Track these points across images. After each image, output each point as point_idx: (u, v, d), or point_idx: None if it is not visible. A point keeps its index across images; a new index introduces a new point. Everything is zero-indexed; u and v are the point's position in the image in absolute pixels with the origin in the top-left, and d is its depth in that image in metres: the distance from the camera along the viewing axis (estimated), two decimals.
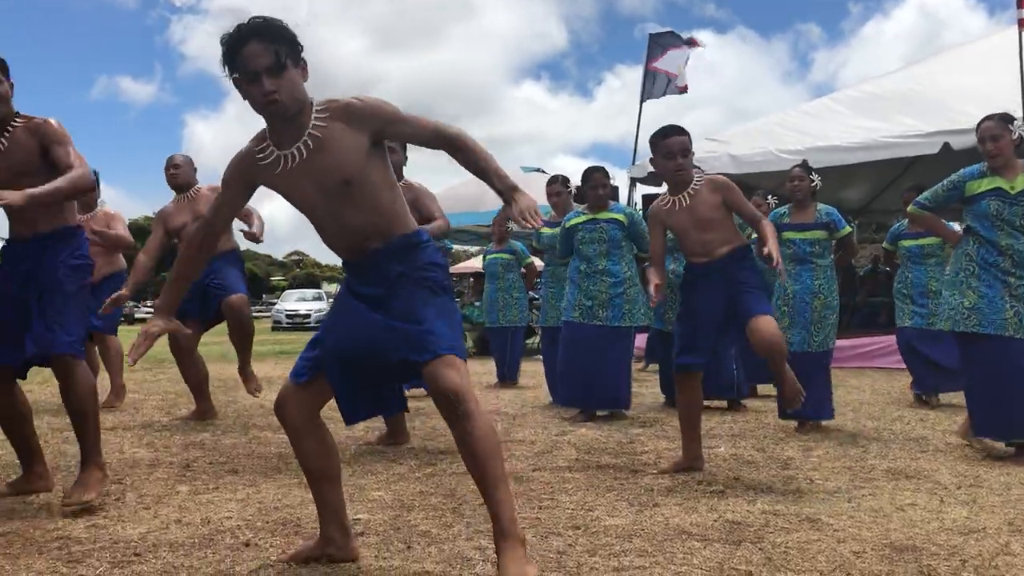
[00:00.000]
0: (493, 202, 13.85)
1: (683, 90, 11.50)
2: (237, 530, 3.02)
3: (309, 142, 2.43)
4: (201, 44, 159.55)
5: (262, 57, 2.38)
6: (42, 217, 3.40)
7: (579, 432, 5.19)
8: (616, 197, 7.23)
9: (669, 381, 6.10)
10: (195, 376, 5.87)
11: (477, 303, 12.56)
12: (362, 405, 2.61)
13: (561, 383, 5.99)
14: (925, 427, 5.40)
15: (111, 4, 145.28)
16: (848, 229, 5.71)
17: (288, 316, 30.20)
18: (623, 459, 4.31)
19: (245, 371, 5.69)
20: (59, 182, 3.25)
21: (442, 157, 2.52)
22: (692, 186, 3.89)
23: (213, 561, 2.66)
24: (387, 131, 2.49)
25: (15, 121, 3.39)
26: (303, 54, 2.48)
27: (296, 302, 32.08)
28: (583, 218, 5.95)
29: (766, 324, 3.74)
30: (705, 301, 3.91)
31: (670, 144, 3.85)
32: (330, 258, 75.21)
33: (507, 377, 8.32)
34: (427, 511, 3.27)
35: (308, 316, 30.17)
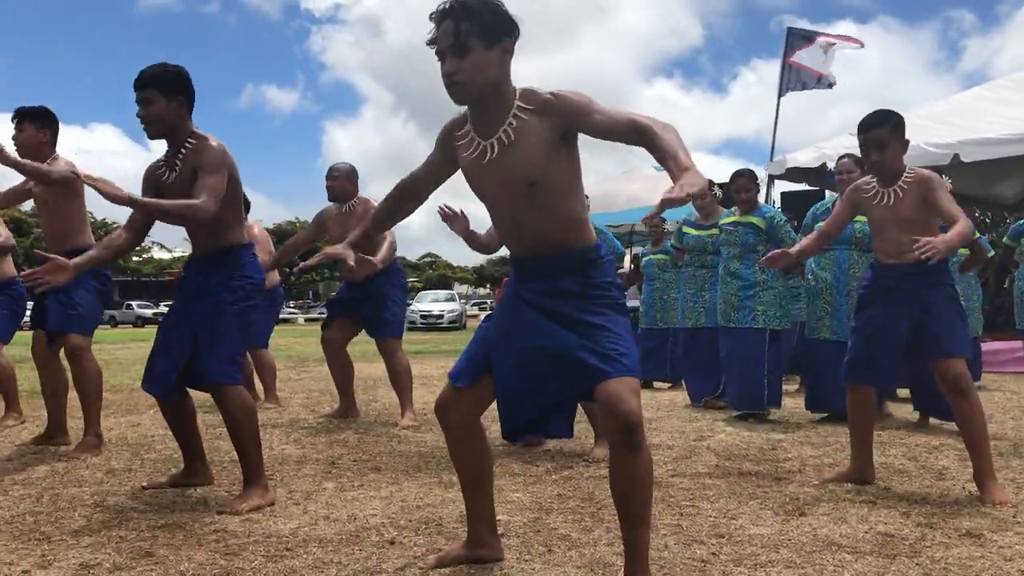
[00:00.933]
0: (625, 202, 13.75)
1: (831, 85, 11.10)
2: (382, 528, 3.09)
3: (503, 138, 2.34)
4: (339, 53, 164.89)
5: (447, 37, 2.30)
6: (203, 235, 3.55)
7: (718, 437, 5.09)
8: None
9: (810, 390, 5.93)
10: (342, 374, 6.04)
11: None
12: (525, 418, 2.47)
13: (700, 380, 6.11)
14: None
15: (256, 16, 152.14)
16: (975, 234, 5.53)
17: (422, 317, 30.85)
18: (765, 466, 4.20)
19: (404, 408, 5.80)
20: (165, 202, 3.35)
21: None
22: (903, 179, 3.58)
23: (360, 558, 2.74)
24: (580, 124, 2.32)
25: (188, 141, 3.51)
26: (512, 35, 2.35)
27: (430, 303, 32.74)
28: (728, 219, 6.06)
29: (956, 369, 3.51)
30: (889, 318, 3.63)
31: (863, 138, 3.59)
32: (463, 259, 76.48)
33: (669, 378, 8.16)
34: (566, 514, 3.27)
35: (441, 317, 30.77)
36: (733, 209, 6.08)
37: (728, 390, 6.13)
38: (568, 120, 2.32)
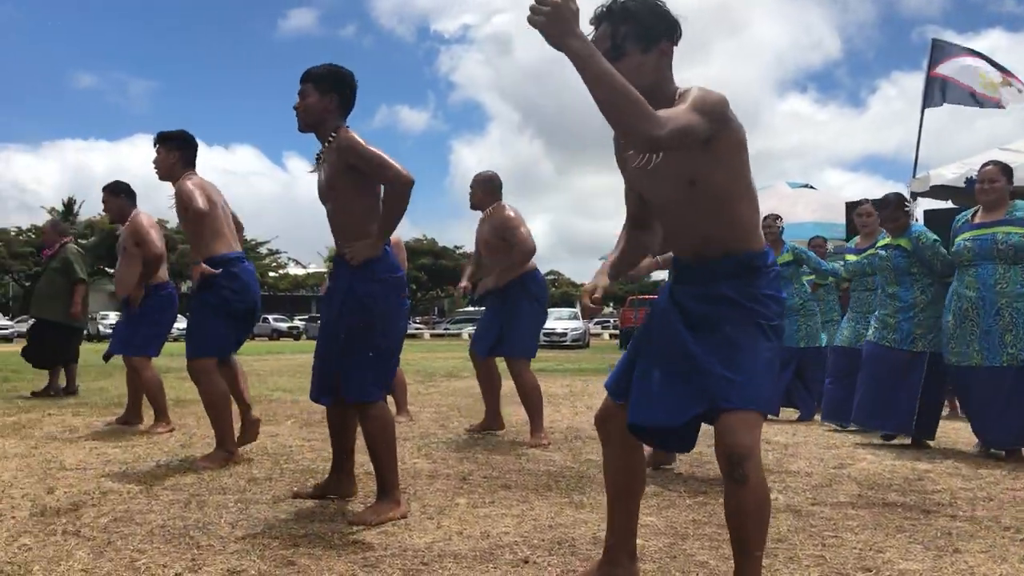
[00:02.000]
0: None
1: (1000, 106, 10.48)
2: (515, 546, 3.09)
3: None
4: (468, 72, 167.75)
5: (603, 41, 2.28)
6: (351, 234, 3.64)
7: (859, 465, 4.88)
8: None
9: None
10: (488, 386, 6.08)
11: None
12: (651, 421, 2.37)
13: (857, 402, 5.91)
14: None
15: (391, 38, 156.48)
16: None
17: (545, 334, 30.89)
18: (912, 497, 3.99)
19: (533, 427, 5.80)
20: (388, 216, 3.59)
21: None
22: None
23: None
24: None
25: (331, 136, 3.64)
26: (671, 36, 2.31)
27: (553, 321, 32.75)
28: (881, 243, 5.96)
29: None
30: None
31: None
32: (586, 277, 76.24)
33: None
34: (702, 540, 3.18)
35: (564, 335, 30.77)
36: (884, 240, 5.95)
37: (869, 410, 5.80)
38: (719, 124, 2.24)
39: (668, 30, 2.32)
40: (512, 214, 5.72)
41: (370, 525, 3.37)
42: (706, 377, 2.25)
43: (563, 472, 4.56)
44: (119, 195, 6.33)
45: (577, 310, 41.81)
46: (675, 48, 2.35)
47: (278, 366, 14.92)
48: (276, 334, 45.61)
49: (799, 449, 5.50)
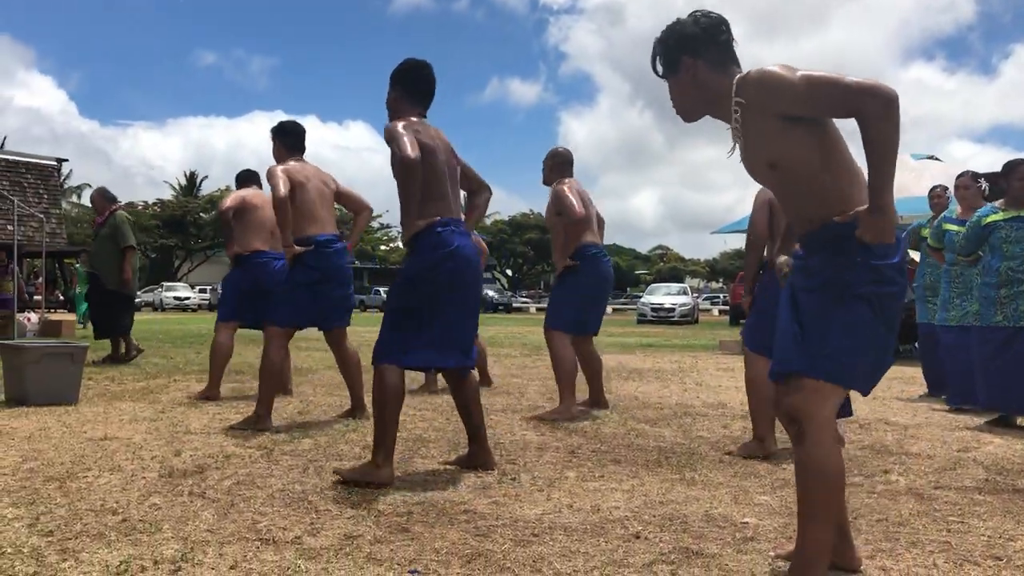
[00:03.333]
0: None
1: None
2: (626, 520, 3.07)
3: (737, 130, 2.38)
4: (579, 42, 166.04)
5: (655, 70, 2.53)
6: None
7: (986, 449, 4.67)
8: None
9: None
10: (587, 367, 5.99)
11: None
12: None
13: (984, 385, 5.64)
14: None
15: (504, 10, 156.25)
16: None
17: (653, 310, 30.65)
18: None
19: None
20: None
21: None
22: None
23: (606, 550, 2.73)
24: (776, 109, 2.28)
25: None
26: (691, 51, 2.42)
27: (662, 296, 32.44)
28: (1003, 215, 5.48)
29: None
30: None
31: None
32: (695, 252, 75.18)
33: None
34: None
35: (672, 310, 30.42)
36: (997, 204, 5.55)
37: (992, 393, 5.56)
38: (781, 105, 2.27)
39: (686, 46, 2.42)
40: (564, 188, 5.59)
41: (345, 479, 3.55)
42: (785, 339, 2.35)
43: (673, 448, 4.52)
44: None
45: (686, 285, 41.30)
46: (710, 53, 2.42)
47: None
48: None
49: (920, 430, 5.30)
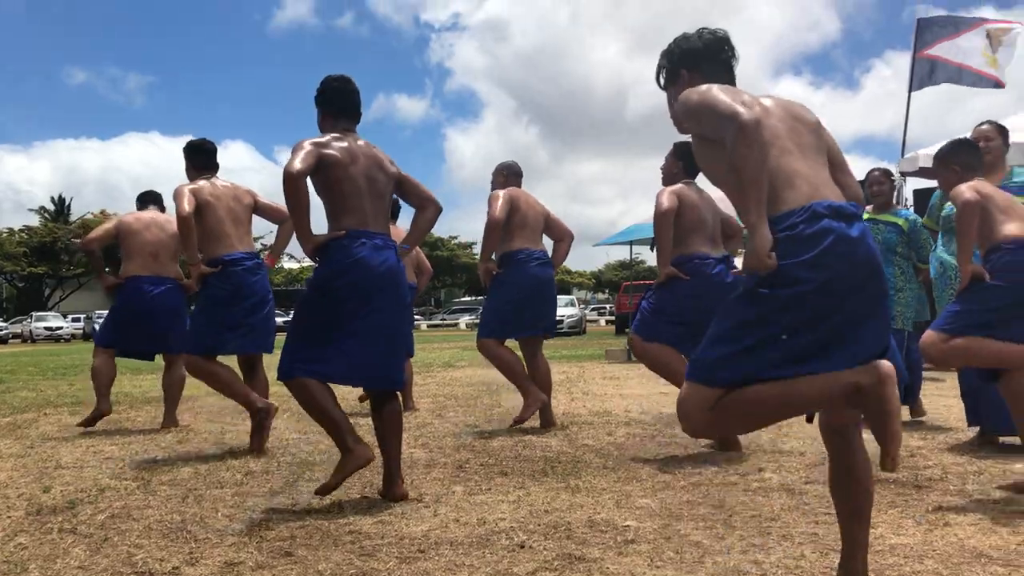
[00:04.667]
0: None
1: (999, 85, 10.40)
2: (511, 531, 3.11)
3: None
4: (462, 59, 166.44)
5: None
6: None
7: None
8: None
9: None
10: (541, 379, 5.85)
11: None
12: None
13: None
14: None
15: (388, 27, 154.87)
16: None
17: None
18: (905, 473, 4.02)
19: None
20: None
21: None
22: None
23: (491, 561, 2.76)
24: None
25: None
26: (687, 63, 2.51)
27: None
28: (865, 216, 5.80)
29: None
30: None
31: None
32: (581, 264, 76.31)
33: None
34: (696, 521, 3.21)
35: (560, 322, 30.76)
36: (869, 208, 5.89)
37: None
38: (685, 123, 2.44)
39: (684, 59, 2.52)
40: (496, 192, 5.72)
41: (332, 487, 3.61)
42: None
43: (559, 457, 4.59)
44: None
45: (573, 297, 41.75)
46: (707, 68, 2.48)
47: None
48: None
49: (794, 429, 5.53)
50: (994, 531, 3.00)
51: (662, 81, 2.58)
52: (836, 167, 2.43)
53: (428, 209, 4.02)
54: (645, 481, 3.95)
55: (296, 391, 3.63)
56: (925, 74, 10.84)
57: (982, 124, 4.72)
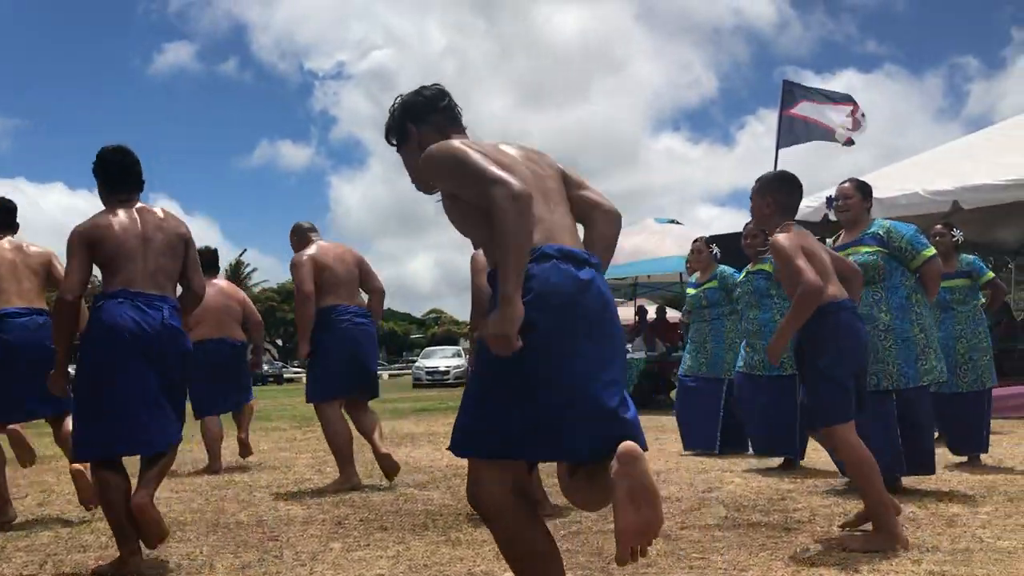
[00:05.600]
0: (629, 255, 13.82)
1: (848, 143, 11.15)
2: None
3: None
4: (349, 107, 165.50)
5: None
6: None
7: (727, 488, 5.05)
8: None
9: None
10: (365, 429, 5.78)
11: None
12: None
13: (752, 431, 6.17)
14: None
15: (273, 73, 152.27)
16: (990, 275, 5.96)
17: (428, 373, 30.76)
18: (775, 516, 4.16)
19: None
20: None
21: None
22: None
23: None
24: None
25: None
26: (411, 120, 2.56)
27: (437, 359, 32.64)
28: (745, 272, 6.23)
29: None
30: None
31: None
32: (468, 314, 76.49)
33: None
34: (575, 570, 3.23)
35: (447, 373, 30.66)
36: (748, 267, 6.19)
37: (754, 435, 6.12)
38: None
39: (407, 116, 2.57)
40: (297, 258, 5.58)
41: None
42: None
43: (441, 511, 4.56)
44: None
45: (460, 347, 41.76)
46: (433, 120, 2.55)
47: None
48: None
49: (671, 475, 5.66)
50: (856, 571, 3.12)
51: (393, 141, 2.61)
52: (587, 202, 2.52)
53: (194, 285, 3.91)
54: None
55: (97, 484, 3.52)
56: (790, 131, 11.45)
57: (844, 182, 5.00)
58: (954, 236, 5.95)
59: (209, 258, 6.65)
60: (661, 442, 7.86)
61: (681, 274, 9.01)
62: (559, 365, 2.14)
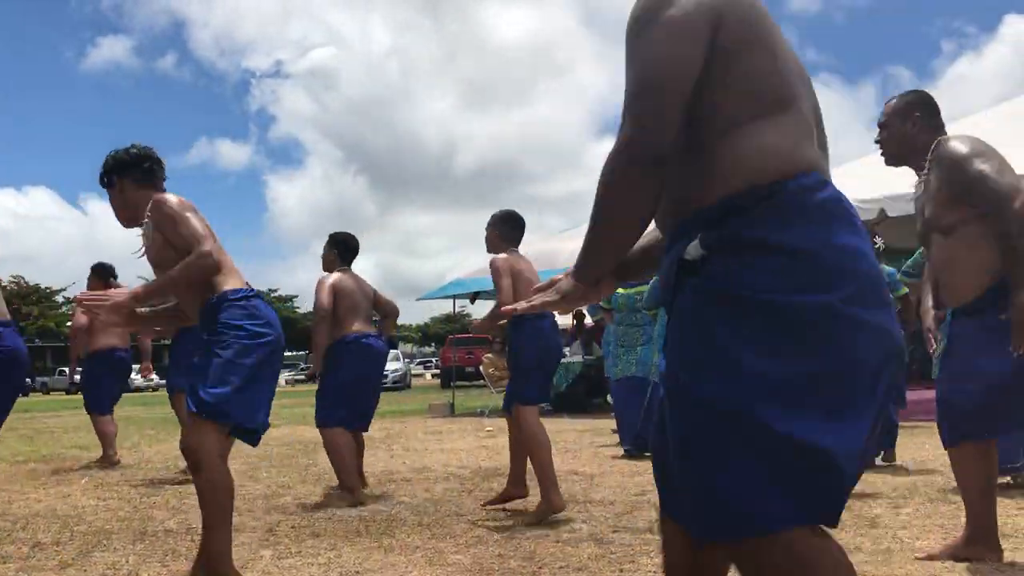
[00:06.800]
0: (567, 259, 13.89)
1: None
2: None
3: (148, 235, 3.26)
4: (289, 106, 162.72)
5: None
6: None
7: None
8: None
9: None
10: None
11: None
12: None
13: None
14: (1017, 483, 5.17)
15: (212, 70, 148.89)
16: (904, 290, 6.15)
17: None
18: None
19: None
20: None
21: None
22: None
23: None
24: None
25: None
26: (116, 172, 3.30)
27: None
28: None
29: None
30: None
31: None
32: (407, 318, 75.91)
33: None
34: (507, 574, 3.25)
35: (386, 376, 30.44)
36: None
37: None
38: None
39: (115, 170, 3.28)
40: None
41: None
42: None
43: (374, 516, 4.53)
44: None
45: (398, 351, 41.49)
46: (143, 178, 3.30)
47: (77, 422, 13.98)
48: (75, 387, 42.56)
49: (604, 479, 5.71)
50: None
51: (104, 183, 3.28)
52: None
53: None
54: (459, 537, 3.96)
55: None
56: None
57: None
58: (876, 244, 6.13)
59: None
60: (595, 445, 7.93)
61: None
62: None
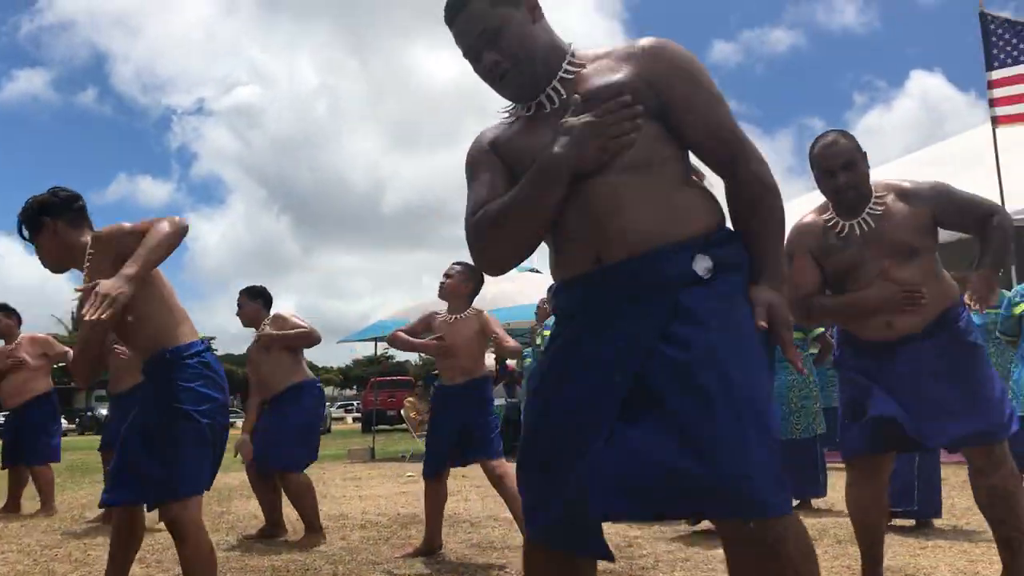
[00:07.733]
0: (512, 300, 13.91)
1: None
2: None
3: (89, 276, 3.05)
4: (211, 143, 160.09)
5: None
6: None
7: None
8: None
9: None
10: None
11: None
12: None
13: None
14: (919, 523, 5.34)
15: (133, 106, 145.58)
16: (820, 330, 6.21)
17: None
18: (621, 564, 4.25)
19: None
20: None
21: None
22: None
23: None
24: None
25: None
26: (49, 214, 3.12)
27: None
28: None
29: None
30: None
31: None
32: (328, 360, 74.93)
33: None
34: None
35: None
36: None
37: None
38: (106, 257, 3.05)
39: (44, 212, 3.10)
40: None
41: None
42: None
43: (288, 566, 4.44)
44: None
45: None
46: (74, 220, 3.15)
47: None
48: None
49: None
50: None
51: (26, 234, 3.10)
52: None
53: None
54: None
55: None
56: None
57: None
58: None
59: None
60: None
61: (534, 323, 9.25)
62: None
